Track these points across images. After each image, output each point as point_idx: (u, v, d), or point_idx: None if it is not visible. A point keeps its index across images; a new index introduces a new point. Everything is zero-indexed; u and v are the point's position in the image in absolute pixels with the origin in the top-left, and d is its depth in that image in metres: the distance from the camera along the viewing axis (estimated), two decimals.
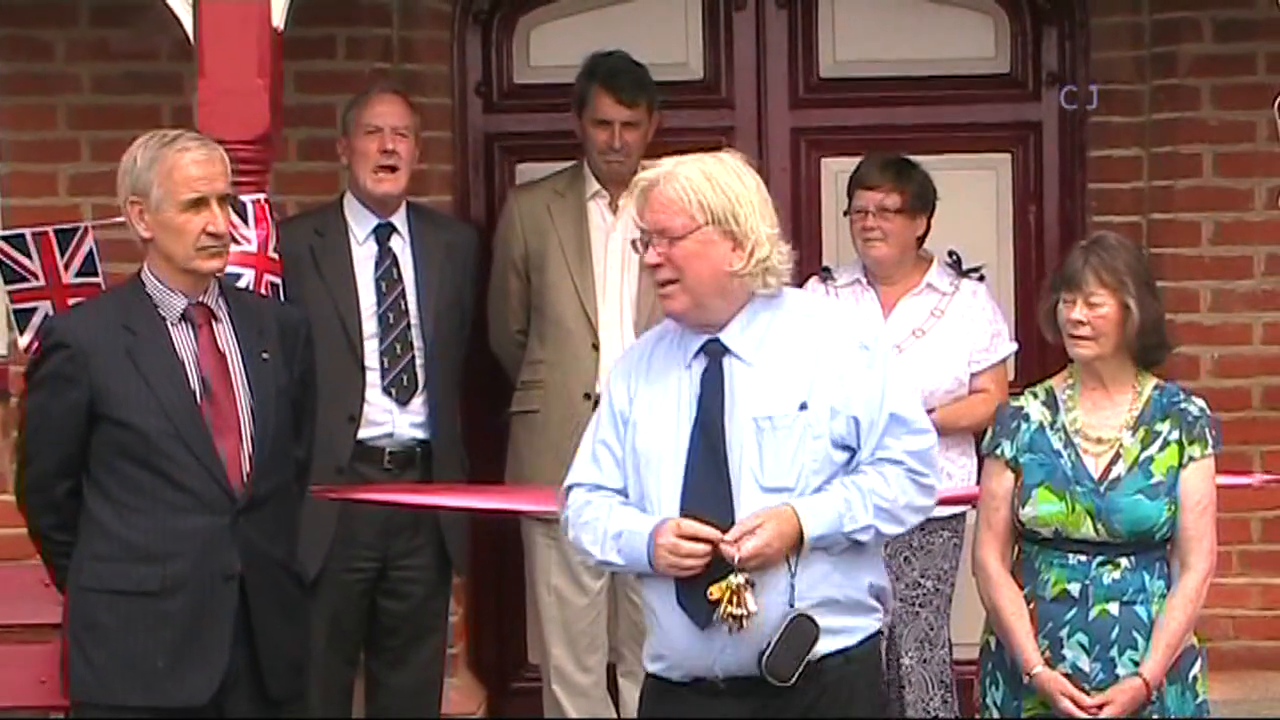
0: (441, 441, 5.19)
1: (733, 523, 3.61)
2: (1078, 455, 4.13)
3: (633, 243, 3.90)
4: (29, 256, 4.59)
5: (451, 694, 5.67)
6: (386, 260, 5.19)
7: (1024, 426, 4.19)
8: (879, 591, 3.80)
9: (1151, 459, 4.10)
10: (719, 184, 3.68)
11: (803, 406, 3.65)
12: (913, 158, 5.33)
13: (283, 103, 4.64)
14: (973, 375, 5.28)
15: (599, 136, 5.42)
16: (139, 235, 4.00)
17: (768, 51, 6.02)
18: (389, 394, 5.12)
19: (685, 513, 3.63)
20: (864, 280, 5.29)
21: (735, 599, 3.56)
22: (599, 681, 5.60)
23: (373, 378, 5.11)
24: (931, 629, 5.24)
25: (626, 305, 5.46)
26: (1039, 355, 5.97)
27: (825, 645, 3.65)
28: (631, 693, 5.57)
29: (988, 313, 5.32)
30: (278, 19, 4.50)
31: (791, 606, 3.62)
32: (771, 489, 3.64)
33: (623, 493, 3.78)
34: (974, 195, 5.95)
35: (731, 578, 3.56)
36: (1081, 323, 4.11)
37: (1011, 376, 5.59)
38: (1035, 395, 4.26)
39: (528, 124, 6.00)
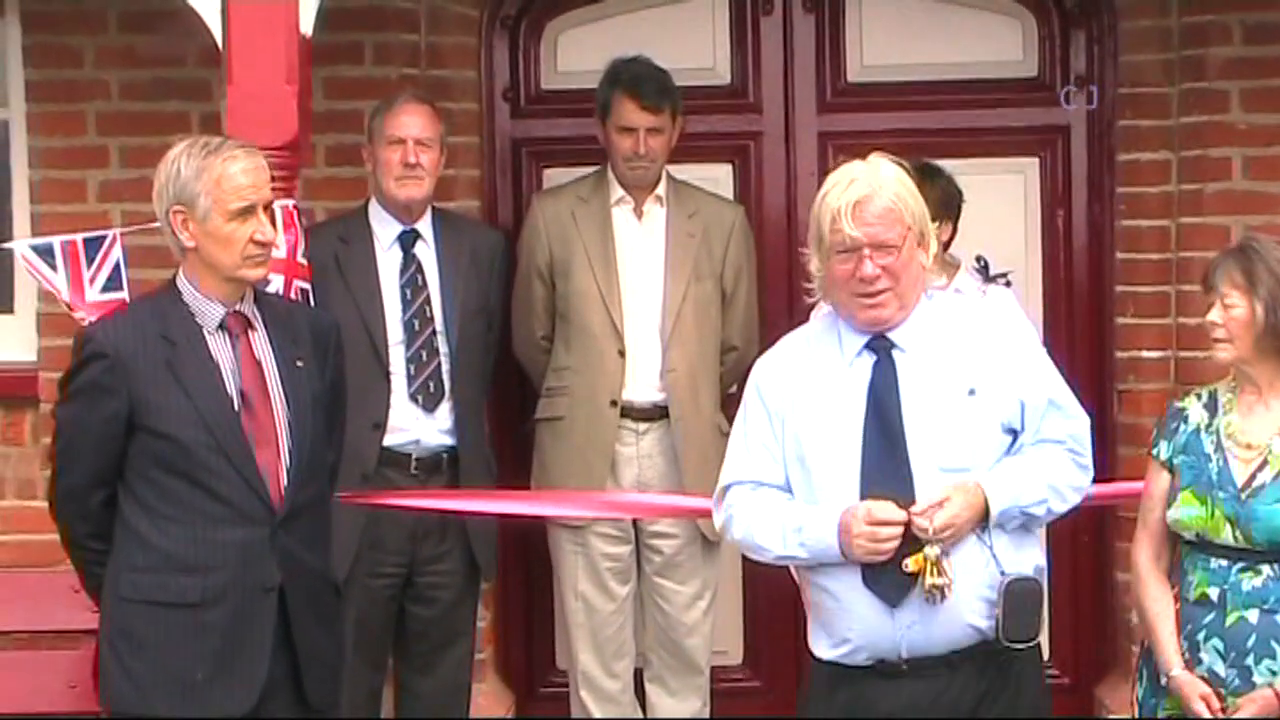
0: (468, 448, 5.19)
1: (910, 503, 3.70)
2: (1226, 460, 4.09)
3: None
4: (55, 269, 4.60)
5: (479, 699, 5.67)
6: (411, 267, 5.20)
7: (1182, 428, 4.18)
8: (1041, 570, 3.88)
9: None
10: (910, 188, 3.81)
11: (971, 392, 3.76)
12: (938, 161, 5.32)
13: (311, 108, 4.66)
14: None
15: (623, 143, 5.42)
16: (180, 244, 3.97)
17: (795, 56, 6.01)
18: (415, 401, 5.13)
19: (867, 498, 3.71)
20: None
21: (936, 569, 3.66)
22: (626, 687, 5.60)
23: (398, 384, 5.12)
24: None
25: (652, 311, 5.45)
26: (1068, 357, 5.98)
27: None
28: (659, 698, 5.58)
29: (1016, 318, 5.30)
30: (306, 25, 4.50)
31: (1003, 574, 3.71)
32: (951, 470, 3.74)
33: (783, 489, 3.86)
34: (1002, 199, 5.93)
35: (927, 549, 3.67)
36: (1216, 324, 4.10)
37: None
38: (1199, 397, 4.23)
39: (555, 129, 5.99)
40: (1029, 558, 3.83)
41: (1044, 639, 5.93)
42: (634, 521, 5.50)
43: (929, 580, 3.67)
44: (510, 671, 6.13)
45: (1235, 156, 5.75)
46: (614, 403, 5.40)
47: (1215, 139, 5.75)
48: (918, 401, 3.78)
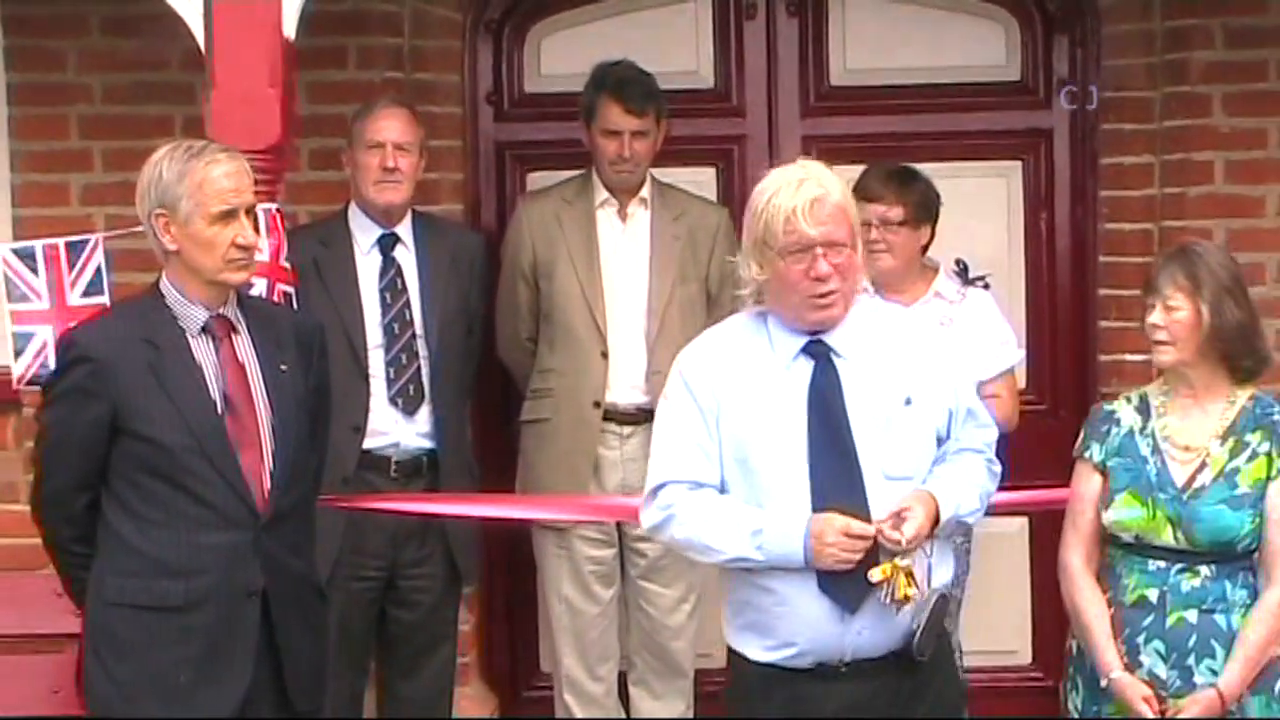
0: (448, 451, 5.19)
1: (865, 511, 3.73)
2: (1164, 462, 4.11)
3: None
4: (36, 272, 4.58)
5: (463, 702, 5.68)
6: (391, 270, 5.20)
7: (1114, 431, 4.18)
8: (958, 578, 4.06)
9: (1238, 470, 4.06)
10: (847, 189, 3.87)
11: (908, 401, 3.83)
12: (917, 165, 5.32)
13: (295, 112, 4.65)
14: (984, 382, 5.26)
15: (608, 146, 5.42)
16: (163, 248, 3.97)
17: (779, 60, 6.01)
18: (395, 404, 5.13)
19: (819, 505, 3.74)
20: (870, 289, 5.27)
21: (909, 580, 3.70)
22: (610, 690, 5.60)
23: (378, 388, 5.12)
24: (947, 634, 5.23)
25: (636, 313, 5.45)
26: (1050, 361, 6.00)
27: None
28: (643, 701, 5.58)
29: (995, 320, 5.32)
30: (289, 29, 4.50)
31: (928, 585, 3.77)
32: (896, 478, 3.79)
33: (717, 489, 3.86)
34: (985, 202, 5.95)
35: (898, 561, 3.70)
36: (1159, 327, 4.11)
37: (1023, 384, 5.59)
38: (1129, 400, 4.25)
39: (539, 132, 5.99)
40: (950, 566, 3.93)
41: (1026, 643, 6.01)
42: (618, 525, 5.50)
43: (903, 591, 3.70)
44: (494, 675, 6.12)
45: (1217, 160, 5.77)
46: (597, 404, 5.40)
47: (1198, 143, 5.77)
48: (861, 409, 3.81)
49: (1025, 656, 6.00)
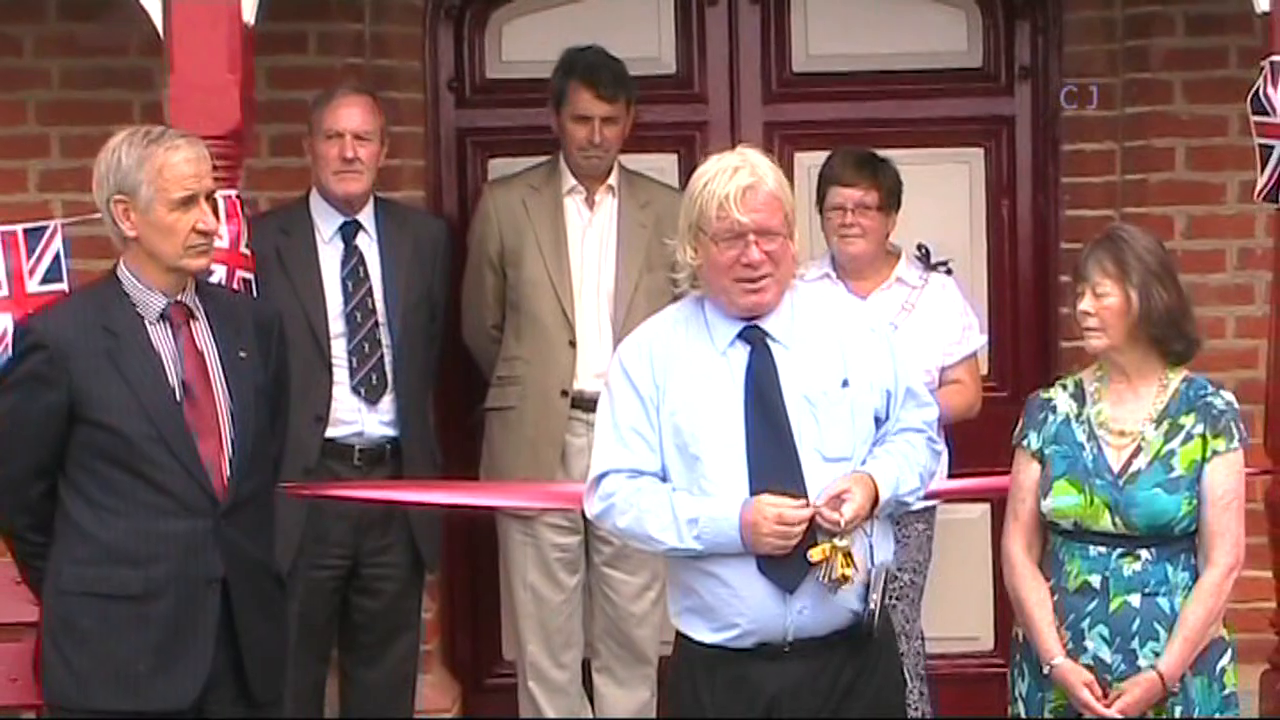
0: (411, 439, 5.18)
1: (802, 493, 3.77)
2: (1100, 448, 4.12)
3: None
4: None
5: (426, 691, 5.67)
6: (353, 259, 5.17)
7: (1051, 418, 4.20)
8: (896, 557, 4.08)
9: (1173, 453, 4.08)
10: (782, 177, 3.90)
11: (845, 384, 3.87)
12: (883, 152, 5.33)
13: (254, 98, 4.63)
14: (946, 368, 5.29)
15: (578, 132, 5.40)
16: (122, 234, 3.94)
17: (740, 46, 6.01)
18: (358, 393, 5.11)
19: (758, 488, 3.78)
20: (833, 275, 5.28)
21: (847, 561, 3.74)
22: (574, 678, 5.59)
23: (340, 377, 5.10)
24: (908, 621, 5.25)
25: (603, 301, 5.44)
26: (1012, 347, 6.02)
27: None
28: (607, 688, 5.58)
29: (958, 306, 5.34)
30: (248, 14, 4.49)
31: (872, 564, 3.82)
32: (833, 459, 3.84)
33: (659, 476, 3.90)
34: (947, 189, 5.96)
35: (837, 541, 3.74)
36: (1089, 313, 4.13)
37: (984, 370, 5.60)
38: (1064, 387, 4.26)
39: (500, 119, 5.98)
40: (889, 545, 3.98)
41: (989, 629, 6.02)
42: (583, 512, 5.49)
43: (840, 571, 3.74)
44: (456, 663, 6.11)
45: (1178, 147, 5.80)
46: (564, 393, 5.39)
47: (1158, 129, 5.79)
48: (797, 392, 3.85)
49: (988, 643, 6.01)
